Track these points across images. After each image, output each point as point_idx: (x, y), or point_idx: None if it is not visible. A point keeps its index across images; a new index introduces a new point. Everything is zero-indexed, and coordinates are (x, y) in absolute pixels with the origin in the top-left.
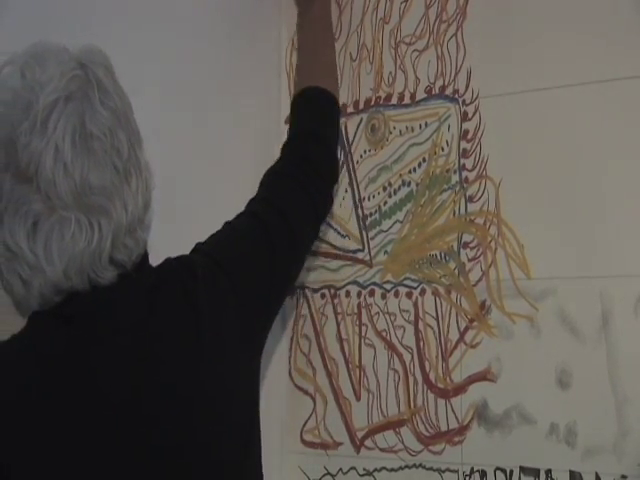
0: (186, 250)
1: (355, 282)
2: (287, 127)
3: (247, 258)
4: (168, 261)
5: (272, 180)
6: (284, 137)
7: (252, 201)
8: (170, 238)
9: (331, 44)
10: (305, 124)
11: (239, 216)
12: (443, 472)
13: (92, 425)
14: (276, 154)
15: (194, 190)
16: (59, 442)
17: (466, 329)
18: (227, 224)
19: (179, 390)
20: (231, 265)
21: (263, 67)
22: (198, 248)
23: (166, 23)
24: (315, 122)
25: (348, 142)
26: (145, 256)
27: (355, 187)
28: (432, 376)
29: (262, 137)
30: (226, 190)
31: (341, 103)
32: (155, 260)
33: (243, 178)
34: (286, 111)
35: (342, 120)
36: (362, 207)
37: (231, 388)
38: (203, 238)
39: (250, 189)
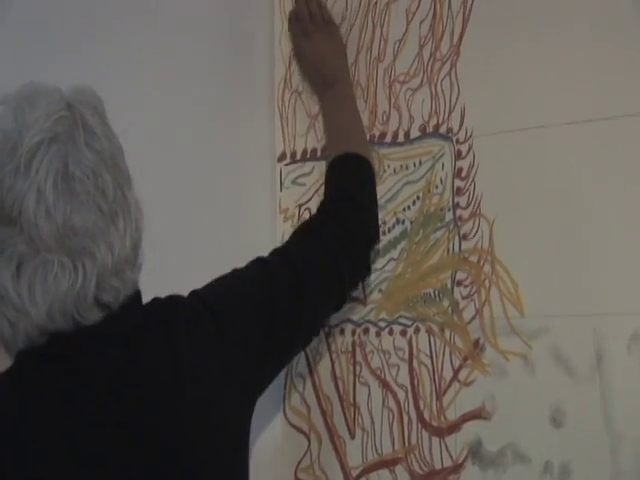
0: (175, 286)
1: (349, 320)
2: (281, 165)
3: (241, 308)
4: (154, 300)
5: (298, 236)
6: (277, 175)
7: (273, 251)
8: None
9: (358, 116)
10: (341, 187)
11: (252, 262)
12: None
13: (75, 465)
14: (268, 191)
15: (186, 226)
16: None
17: (460, 367)
18: (234, 270)
19: (160, 435)
20: (223, 312)
21: (256, 105)
22: (196, 290)
23: (164, 55)
24: (351, 186)
25: None
26: (135, 296)
27: None
28: (426, 414)
29: (255, 175)
30: (220, 235)
31: None
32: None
33: (237, 222)
34: (280, 146)
35: None
36: None
37: (213, 434)
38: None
39: (244, 232)
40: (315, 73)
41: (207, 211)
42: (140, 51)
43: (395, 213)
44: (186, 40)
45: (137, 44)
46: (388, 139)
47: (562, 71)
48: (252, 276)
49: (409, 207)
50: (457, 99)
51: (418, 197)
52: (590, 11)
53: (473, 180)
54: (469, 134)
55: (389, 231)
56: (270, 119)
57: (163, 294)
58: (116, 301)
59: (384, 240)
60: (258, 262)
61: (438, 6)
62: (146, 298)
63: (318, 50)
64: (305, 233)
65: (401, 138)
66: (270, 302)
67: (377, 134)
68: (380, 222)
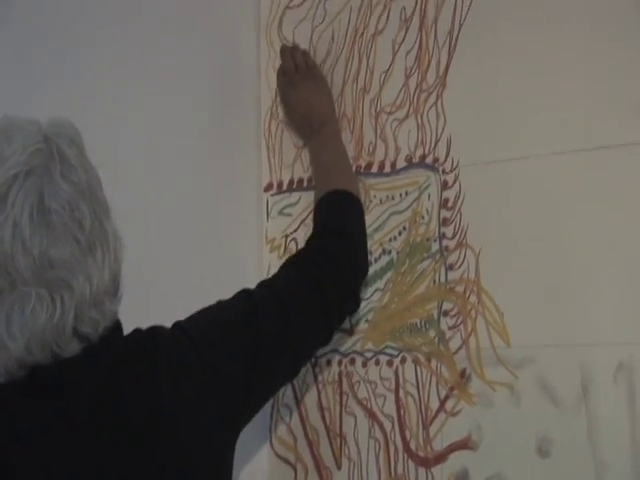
0: (161, 316)
1: (336, 350)
2: (268, 195)
3: (224, 339)
4: (136, 332)
5: (285, 269)
6: (263, 205)
7: (260, 283)
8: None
9: (345, 155)
10: (329, 221)
11: (237, 294)
12: None
13: None
14: (255, 221)
15: (173, 266)
16: None
17: (446, 397)
18: (219, 302)
19: (143, 465)
20: (205, 343)
21: (243, 135)
22: (180, 321)
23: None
24: (339, 220)
25: None
26: (115, 328)
27: None
28: (413, 445)
29: (242, 205)
30: (206, 265)
31: None
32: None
33: (223, 252)
34: (266, 176)
35: None
36: None
37: (196, 464)
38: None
39: (231, 262)
40: (302, 120)
41: (193, 241)
42: (129, 81)
43: (381, 243)
44: (172, 73)
45: (126, 73)
46: (374, 170)
47: (548, 101)
48: (236, 308)
49: (395, 237)
50: (443, 129)
51: (404, 227)
52: (576, 43)
53: (459, 210)
54: (455, 164)
55: (375, 261)
56: (257, 149)
57: (148, 324)
58: (95, 333)
59: (370, 270)
60: (243, 293)
61: (424, 37)
62: (131, 327)
63: (304, 98)
64: (292, 266)
65: (387, 169)
66: (254, 334)
67: (363, 165)
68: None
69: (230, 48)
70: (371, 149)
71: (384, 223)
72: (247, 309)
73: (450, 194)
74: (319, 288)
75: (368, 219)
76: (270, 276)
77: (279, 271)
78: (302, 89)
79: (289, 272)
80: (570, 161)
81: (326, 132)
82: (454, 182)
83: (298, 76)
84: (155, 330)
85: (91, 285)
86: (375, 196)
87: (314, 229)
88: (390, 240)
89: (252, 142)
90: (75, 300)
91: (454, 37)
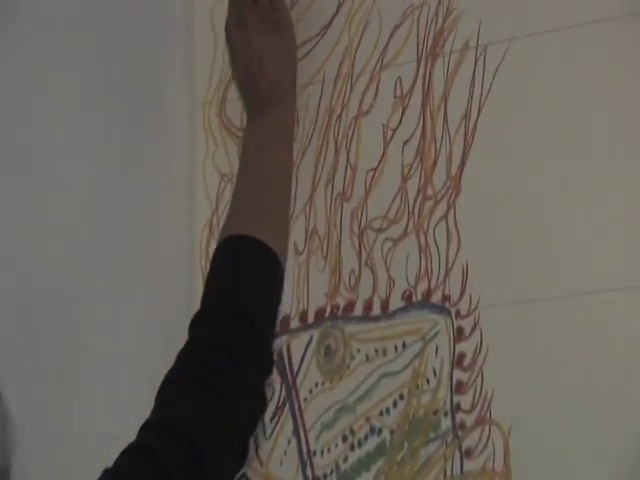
0: None
1: None
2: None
3: None
4: None
5: (171, 391)
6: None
7: (143, 427)
8: None
9: (288, 163)
10: (223, 292)
11: (123, 453)
12: None
13: None
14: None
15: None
16: None
17: None
18: (105, 471)
19: None
20: None
21: (173, 259)
22: None
23: None
24: (240, 291)
25: (292, 371)
26: None
27: (302, 436)
28: None
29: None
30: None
31: (282, 315)
32: None
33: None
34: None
35: (283, 339)
36: (312, 465)
37: None
38: None
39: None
40: (248, 82)
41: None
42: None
43: (368, 419)
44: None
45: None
46: (358, 312)
47: (595, 228)
48: (133, 469)
49: (388, 410)
50: (457, 254)
51: (401, 396)
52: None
53: (480, 371)
54: (474, 305)
55: (359, 445)
56: (189, 281)
57: None
58: None
59: (352, 457)
60: (134, 449)
61: (429, 121)
62: None
63: (255, 50)
64: (180, 382)
65: (376, 310)
66: None
67: (342, 304)
68: (347, 431)
69: (157, 140)
70: (353, 282)
71: (372, 389)
72: (149, 470)
73: (467, 347)
74: (218, 399)
75: (348, 383)
76: (155, 406)
77: (166, 395)
78: (256, 38)
79: (179, 394)
80: (622, 296)
81: (274, 117)
82: (472, 330)
83: (253, 16)
84: None
85: None
86: (359, 350)
87: (203, 299)
88: (381, 414)
89: (184, 270)
90: None
91: (472, 121)
